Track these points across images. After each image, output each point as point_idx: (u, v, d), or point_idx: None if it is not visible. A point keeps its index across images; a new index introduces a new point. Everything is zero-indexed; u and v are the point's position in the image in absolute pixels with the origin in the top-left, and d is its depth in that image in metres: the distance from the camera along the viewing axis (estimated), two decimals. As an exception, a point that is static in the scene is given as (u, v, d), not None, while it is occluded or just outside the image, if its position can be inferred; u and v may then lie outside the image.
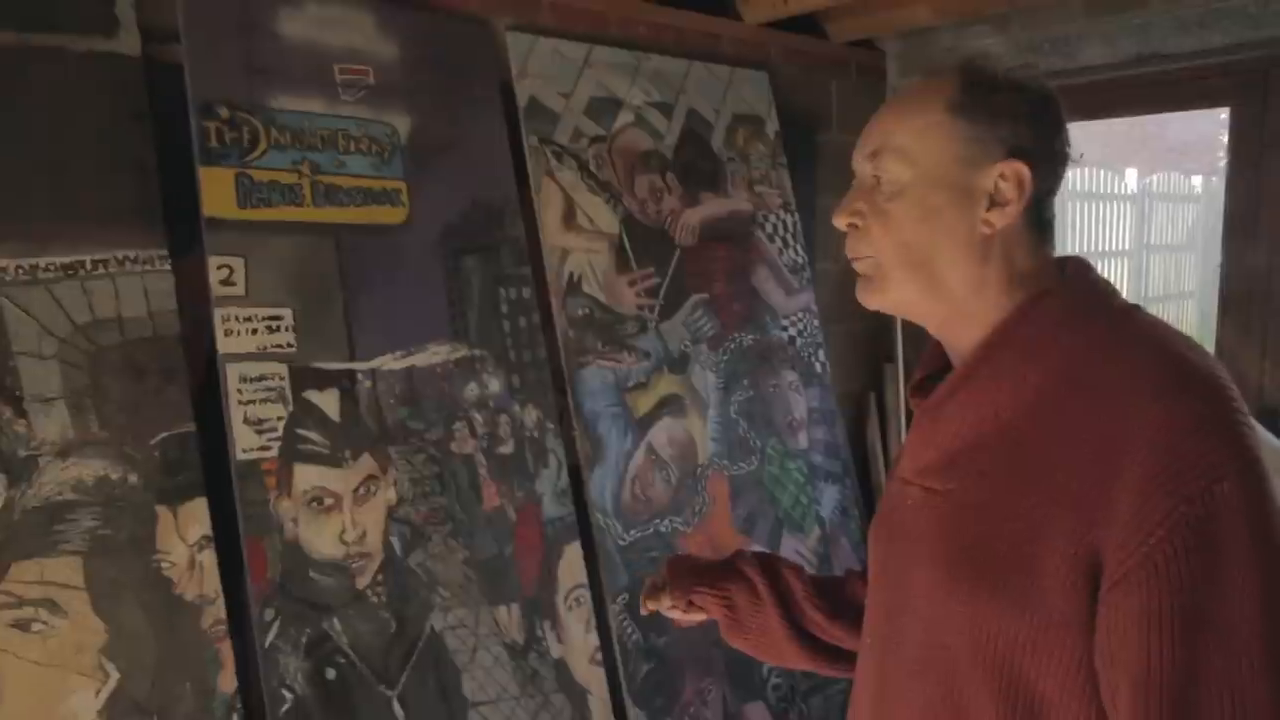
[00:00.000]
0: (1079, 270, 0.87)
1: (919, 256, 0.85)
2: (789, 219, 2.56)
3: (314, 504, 1.65)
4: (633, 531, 2.11)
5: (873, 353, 2.97)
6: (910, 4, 2.48)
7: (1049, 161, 0.85)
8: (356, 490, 1.70)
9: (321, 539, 1.65)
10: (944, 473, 0.86)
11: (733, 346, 2.39)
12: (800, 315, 2.56)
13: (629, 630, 2.05)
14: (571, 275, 2.09)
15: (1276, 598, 0.69)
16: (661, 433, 2.22)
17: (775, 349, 2.49)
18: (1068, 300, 0.83)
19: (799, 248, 2.58)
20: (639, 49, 2.24)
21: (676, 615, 1.24)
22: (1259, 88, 2.26)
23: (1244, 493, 0.69)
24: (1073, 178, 3.77)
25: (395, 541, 1.73)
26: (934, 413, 0.88)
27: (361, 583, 1.69)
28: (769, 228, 2.52)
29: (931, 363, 0.97)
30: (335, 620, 1.64)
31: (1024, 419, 0.80)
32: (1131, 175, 7.96)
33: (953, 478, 0.84)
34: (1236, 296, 2.35)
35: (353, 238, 1.74)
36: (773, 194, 2.54)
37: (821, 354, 2.59)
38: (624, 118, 2.22)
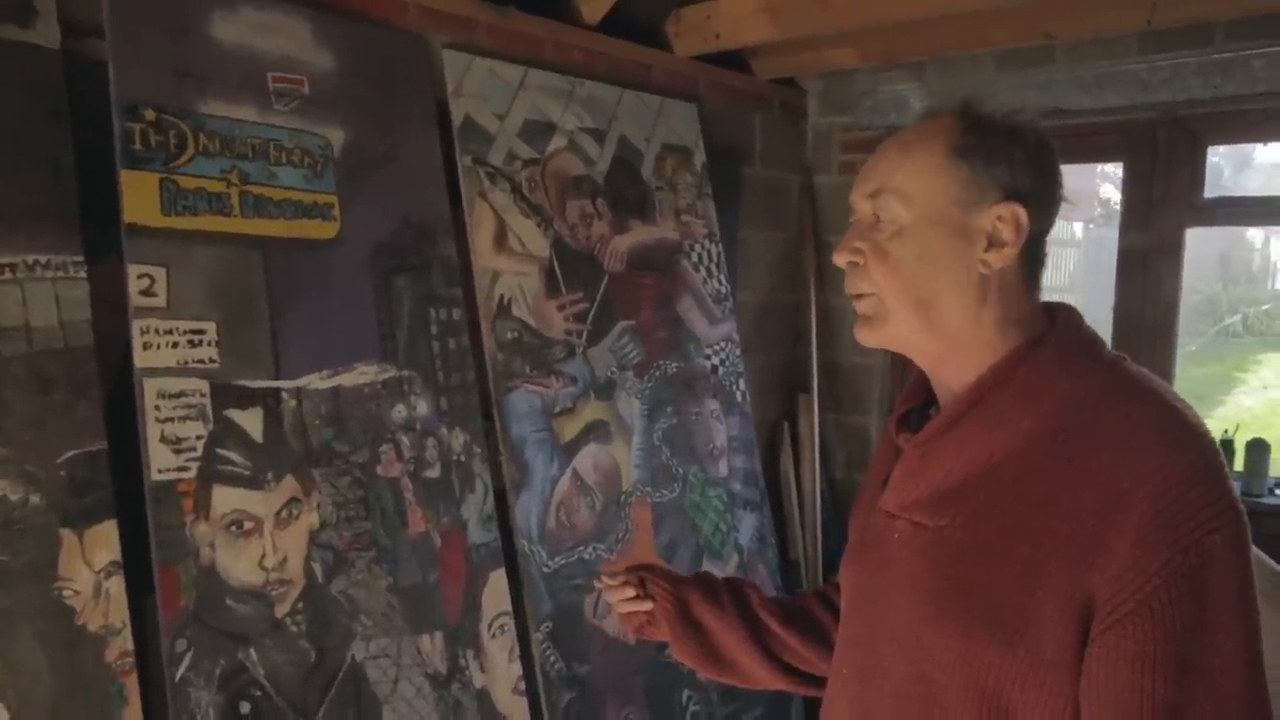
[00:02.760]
0: (1072, 318, 0.89)
1: (919, 295, 0.86)
2: (713, 249, 2.60)
3: (233, 528, 1.56)
4: (557, 558, 2.08)
5: (788, 383, 3.04)
6: (833, 47, 2.57)
7: (1044, 204, 0.87)
8: (278, 514, 1.62)
9: (240, 565, 1.57)
10: (934, 508, 0.86)
11: (657, 374, 2.41)
12: (722, 344, 2.60)
13: (551, 659, 2.02)
14: (502, 298, 2.07)
15: (1255, 644, 0.74)
16: (587, 458, 2.21)
17: (698, 377, 2.52)
18: (1064, 346, 0.85)
19: (722, 277, 2.62)
20: (573, 74, 2.25)
21: (623, 599, 1.21)
22: (1149, 145, 2.44)
23: (1233, 544, 0.73)
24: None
25: (317, 568, 1.66)
26: (924, 448, 0.89)
27: (280, 611, 1.61)
28: (694, 257, 2.55)
29: (914, 397, 0.98)
30: (252, 650, 1.56)
31: (1020, 461, 0.81)
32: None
33: (944, 514, 0.85)
34: (1126, 333, 2.50)
35: (281, 251, 1.67)
36: (698, 224, 2.57)
37: (742, 383, 2.63)
38: (557, 141, 2.22)
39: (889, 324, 0.89)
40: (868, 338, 0.91)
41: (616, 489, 2.26)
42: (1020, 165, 0.85)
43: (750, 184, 2.84)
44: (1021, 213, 0.84)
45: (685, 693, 2.30)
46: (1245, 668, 0.72)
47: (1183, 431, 0.77)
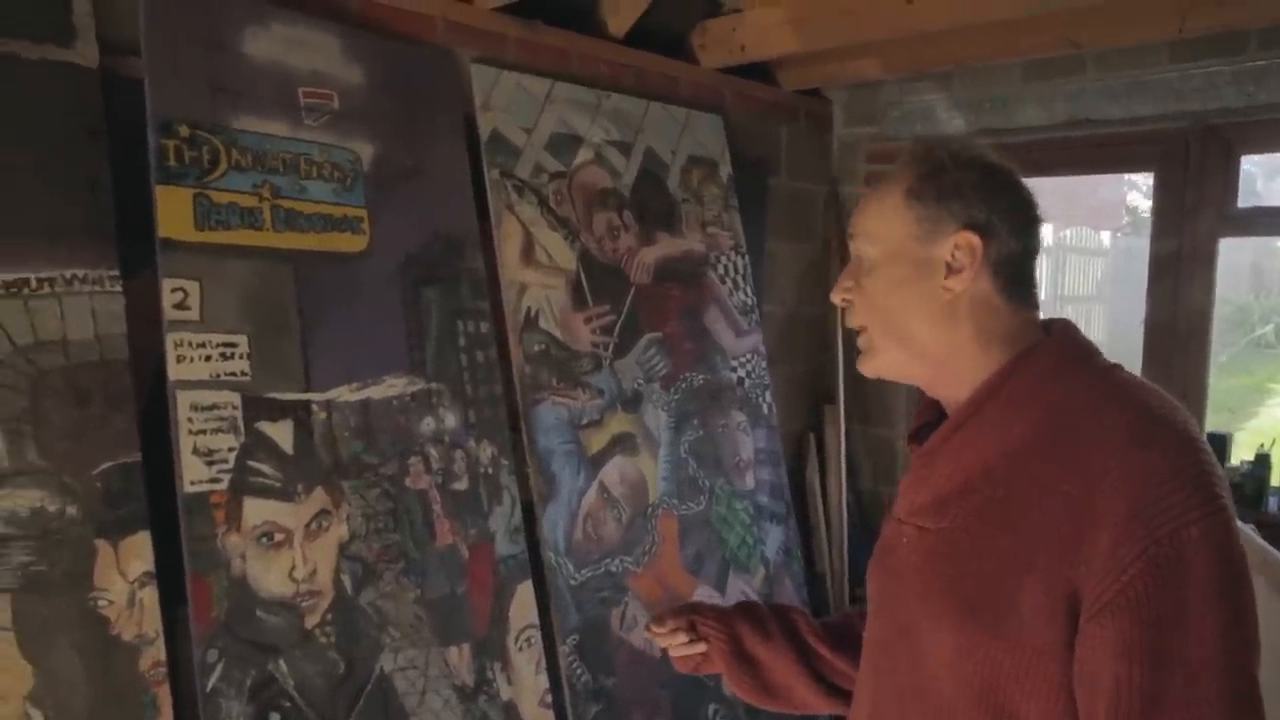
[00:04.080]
0: (1067, 330, 0.95)
1: (894, 322, 0.95)
2: (739, 260, 2.60)
3: (264, 539, 1.58)
4: (584, 571, 2.08)
5: (813, 394, 3.02)
6: (859, 58, 2.57)
7: (1006, 227, 0.93)
8: (308, 525, 1.63)
9: (270, 576, 1.58)
10: (935, 513, 0.93)
11: (684, 386, 2.40)
12: (749, 356, 2.59)
13: (578, 672, 2.01)
14: (529, 310, 2.07)
15: (1234, 635, 0.76)
16: (613, 471, 2.20)
17: (724, 389, 2.51)
18: (1052, 356, 0.91)
19: (748, 289, 2.61)
20: (600, 87, 2.26)
21: (676, 644, 1.26)
22: (1181, 154, 2.41)
23: (1209, 537, 0.76)
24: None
25: (346, 579, 1.67)
26: (927, 458, 0.96)
27: (310, 622, 1.62)
28: (720, 269, 2.55)
29: (926, 413, 1.04)
30: (282, 662, 1.57)
31: (1009, 465, 0.88)
32: (1047, 230, 8.34)
33: (944, 517, 0.92)
34: (1158, 343, 2.47)
35: (312, 265, 1.69)
36: (724, 235, 2.57)
37: (768, 395, 2.62)
38: (584, 154, 2.23)
39: (878, 355, 0.98)
40: (864, 369, 1.00)
41: (643, 501, 2.25)
42: (971, 197, 0.92)
43: (776, 195, 2.83)
44: (975, 239, 0.91)
45: (712, 707, 2.28)
46: (1225, 657, 0.75)
47: (1160, 432, 0.82)
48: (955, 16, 2.08)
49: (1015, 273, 0.94)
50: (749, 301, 2.61)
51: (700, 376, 2.45)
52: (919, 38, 2.33)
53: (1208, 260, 2.39)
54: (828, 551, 2.87)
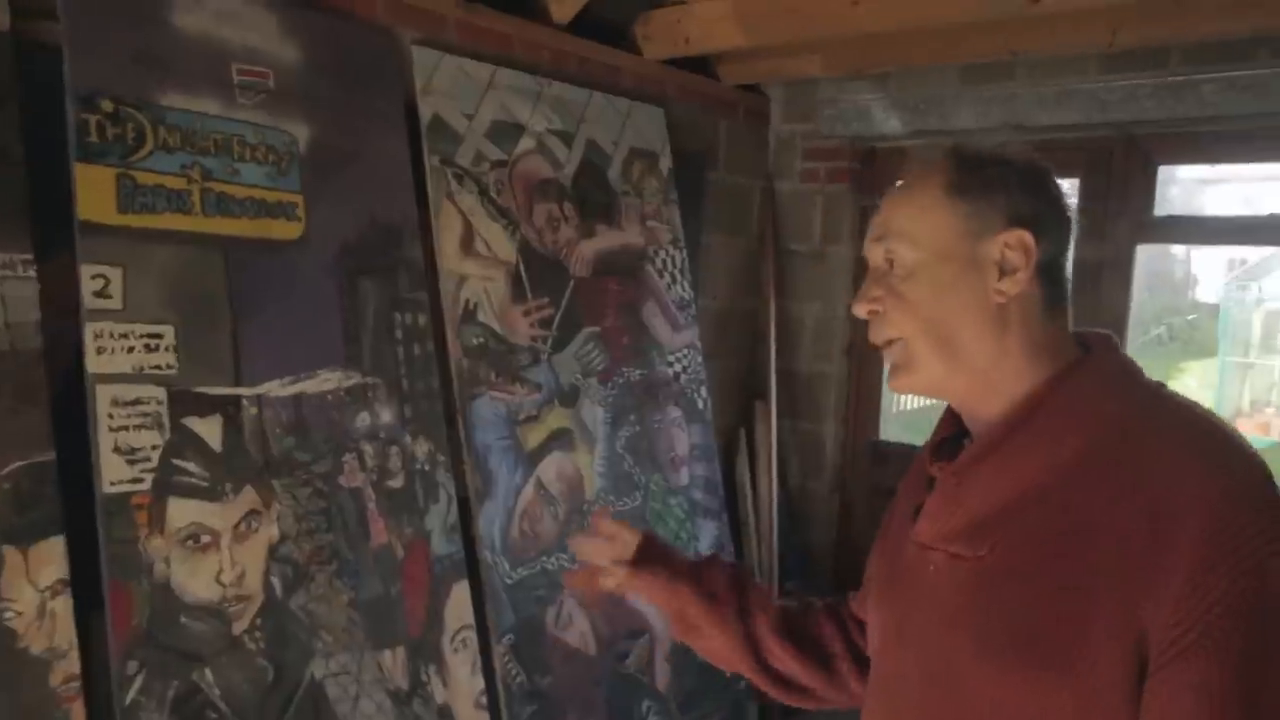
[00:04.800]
0: (1107, 343, 0.88)
1: (941, 332, 0.86)
2: (678, 255, 2.58)
3: (189, 542, 1.49)
4: (520, 569, 2.04)
5: (745, 389, 3.03)
6: (800, 55, 2.58)
7: (1050, 226, 0.86)
8: (237, 527, 1.55)
9: (196, 581, 1.50)
10: (972, 538, 0.84)
11: (621, 381, 2.38)
12: (685, 351, 2.58)
13: (513, 672, 1.98)
14: (468, 302, 2.01)
15: None
16: (550, 467, 2.17)
17: (661, 385, 2.50)
18: (1104, 371, 0.85)
19: (686, 284, 2.60)
20: (542, 74, 2.21)
21: (609, 582, 1.15)
22: (1104, 162, 2.49)
23: None
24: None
25: (276, 582, 1.60)
26: (960, 476, 0.87)
27: (238, 628, 1.54)
28: (659, 263, 2.53)
29: (947, 426, 0.97)
30: (207, 671, 1.49)
31: (1064, 485, 0.79)
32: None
33: (983, 544, 0.83)
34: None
35: (244, 252, 1.60)
36: (663, 229, 2.55)
37: (704, 390, 2.62)
38: (525, 143, 2.17)
39: (919, 369, 0.88)
40: (902, 385, 0.91)
41: (579, 498, 2.22)
42: (1016, 191, 0.85)
43: (713, 190, 2.82)
44: (1028, 237, 0.84)
45: (645, 703, 2.28)
46: None
47: (1233, 454, 0.76)
48: (899, 19, 2.09)
49: (1058, 276, 0.88)
50: (686, 296, 2.60)
51: (637, 371, 2.43)
52: (861, 38, 2.35)
53: (1126, 265, 2.49)
54: (757, 547, 2.89)
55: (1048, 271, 0.86)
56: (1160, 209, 2.49)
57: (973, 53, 2.34)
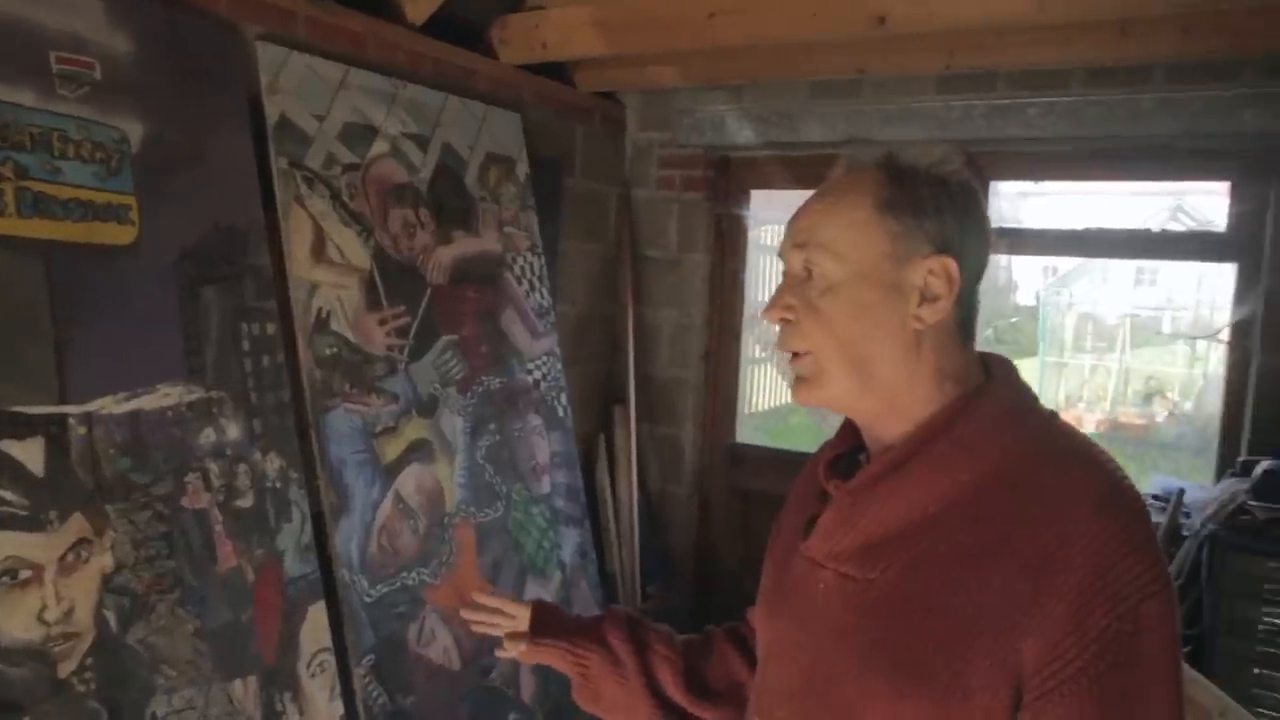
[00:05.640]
0: (1006, 370, 0.88)
1: (854, 352, 0.84)
2: (536, 261, 2.56)
3: (5, 578, 1.35)
4: (379, 586, 1.97)
5: (604, 395, 3.04)
6: (657, 65, 2.61)
7: (974, 252, 0.85)
8: (63, 558, 1.42)
9: (14, 621, 1.36)
10: (864, 560, 0.83)
11: (480, 390, 2.34)
12: (545, 359, 2.56)
13: (375, 694, 1.90)
14: (320, 311, 1.93)
15: (1179, 707, 0.75)
16: (409, 480, 2.10)
17: (521, 393, 2.47)
18: (1001, 400, 0.84)
19: (544, 290, 2.58)
20: (396, 76, 2.14)
21: (510, 650, 1.17)
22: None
23: (1165, 610, 0.73)
24: (763, 234, 4.15)
25: (110, 616, 1.47)
26: (855, 496, 0.86)
27: (65, 669, 1.41)
28: (517, 269, 2.50)
29: (843, 441, 0.96)
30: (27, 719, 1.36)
31: (957, 515, 0.80)
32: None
33: (874, 566, 0.82)
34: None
35: (68, 258, 1.47)
36: (521, 236, 2.52)
37: (564, 398, 2.61)
38: (379, 146, 2.10)
39: (826, 384, 0.86)
40: (805, 399, 0.88)
41: (440, 510, 2.17)
42: (947, 214, 0.83)
43: (570, 196, 2.82)
44: (952, 265, 0.82)
45: (511, 716, 2.24)
46: None
47: (1119, 496, 0.77)
48: (752, 34, 2.15)
49: (972, 302, 0.87)
50: (545, 303, 2.58)
51: (497, 380, 2.39)
52: (717, 51, 2.40)
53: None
54: (618, 552, 2.91)
55: (964, 298, 0.85)
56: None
57: (823, 69, 2.44)
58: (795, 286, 0.87)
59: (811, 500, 0.95)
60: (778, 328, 0.89)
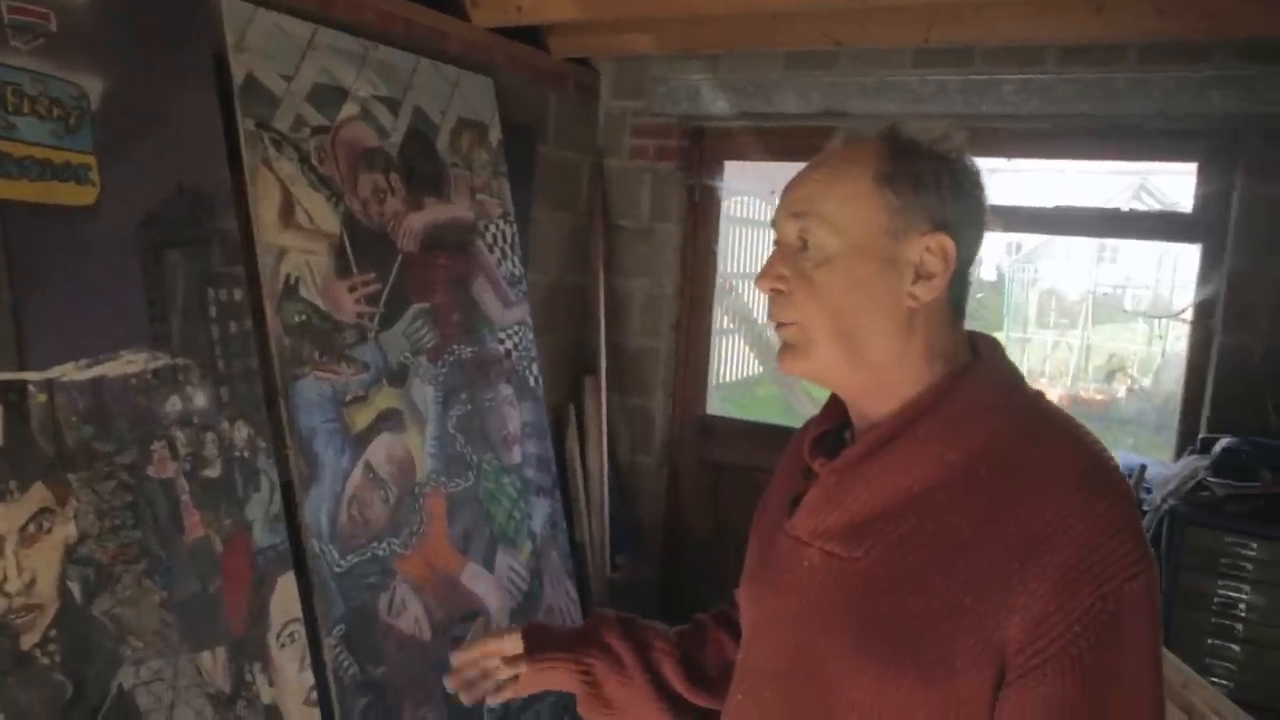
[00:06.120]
0: (993, 350, 0.87)
1: (845, 326, 0.83)
2: (508, 229, 2.53)
3: (-34, 548, 1.32)
4: (350, 556, 1.95)
5: (574, 365, 3.03)
6: (631, 32, 2.57)
7: (971, 231, 0.84)
8: (24, 529, 1.39)
9: (-26, 592, 1.33)
10: (850, 538, 0.83)
11: (451, 359, 2.31)
12: (516, 328, 2.54)
13: (345, 664, 1.89)
14: (288, 277, 1.89)
15: (1158, 694, 0.76)
16: (380, 449, 2.08)
17: (492, 362, 2.45)
18: (988, 380, 0.84)
19: (516, 259, 2.56)
20: (367, 36, 2.09)
21: (508, 671, 1.08)
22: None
23: (1149, 592, 0.74)
24: (735, 206, 4.14)
25: (74, 587, 1.44)
26: (840, 474, 0.85)
27: (28, 641, 1.38)
28: (489, 237, 2.46)
29: (829, 418, 0.94)
30: (-9, 691, 1.33)
31: (943, 494, 0.79)
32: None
33: (859, 545, 0.82)
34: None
35: (25, 219, 1.42)
36: (493, 203, 2.49)
37: (535, 367, 2.59)
38: (349, 109, 2.05)
39: (813, 355, 0.85)
40: (791, 368, 0.87)
41: (410, 480, 2.15)
42: (948, 194, 0.81)
43: (543, 163, 2.78)
44: (950, 244, 0.81)
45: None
46: (1152, 709, 0.75)
47: (1105, 477, 0.77)
48: (730, 2, 2.13)
49: (965, 280, 0.85)
50: (516, 272, 2.55)
51: (468, 349, 2.37)
52: (692, 19, 2.37)
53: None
54: (588, 522, 2.91)
55: (958, 277, 0.84)
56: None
57: (798, 39, 2.42)
58: (789, 256, 0.86)
59: (796, 477, 0.94)
60: (768, 297, 0.87)
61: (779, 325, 0.87)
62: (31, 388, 1.41)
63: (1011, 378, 0.86)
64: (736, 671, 0.97)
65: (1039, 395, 0.85)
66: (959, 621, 0.75)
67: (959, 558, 0.76)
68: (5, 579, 1.37)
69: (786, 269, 0.85)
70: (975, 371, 0.84)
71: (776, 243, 0.88)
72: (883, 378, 0.84)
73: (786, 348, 0.87)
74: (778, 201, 0.89)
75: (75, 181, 1.50)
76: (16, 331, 1.40)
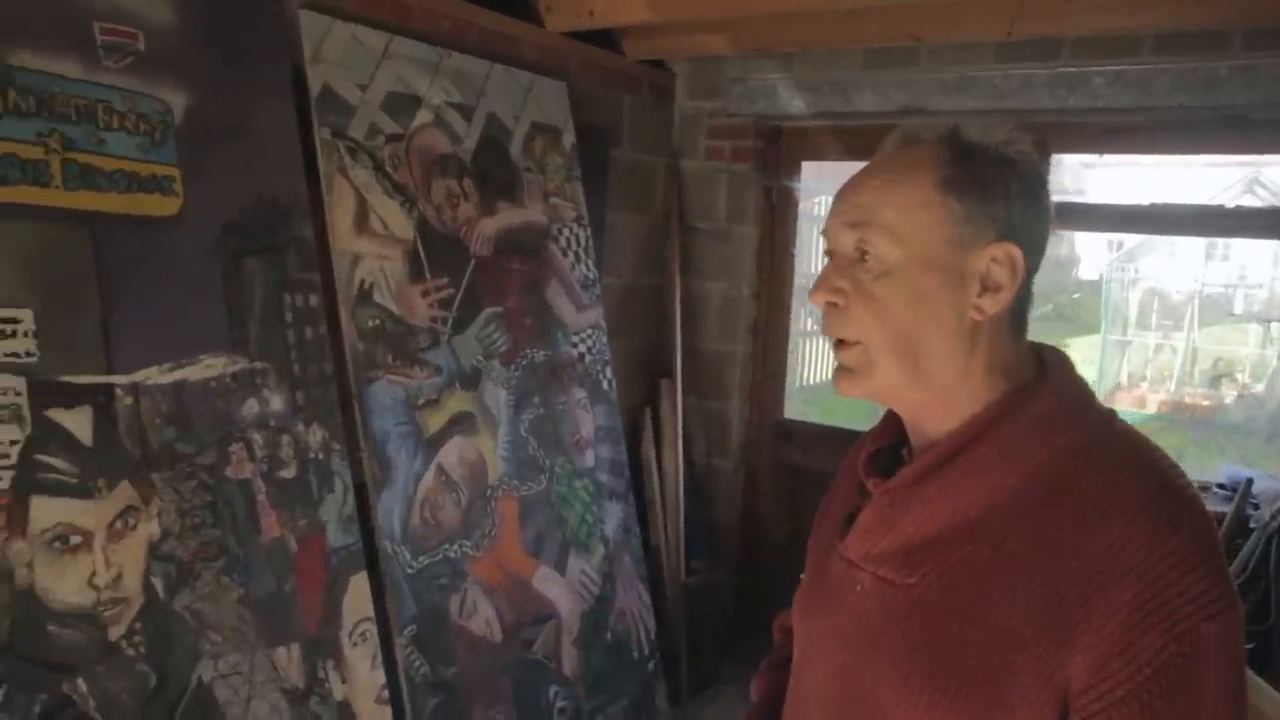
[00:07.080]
0: (1060, 365, 0.82)
1: (906, 342, 0.78)
2: (581, 233, 2.53)
3: (57, 544, 1.38)
4: (422, 558, 1.98)
5: (650, 368, 3.02)
6: (705, 32, 2.55)
7: (1038, 239, 0.79)
8: (112, 525, 1.45)
9: (65, 585, 1.39)
10: (904, 564, 0.79)
11: (524, 363, 2.33)
12: (590, 331, 2.54)
13: (416, 664, 1.92)
14: (363, 283, 1.93)
15: None
16: (452, 452, 2.11)
17: (565, 365, 2.45)
18: (1052, 399, 0.78)
19: (590, 262, 2.56)
20: (441, 44, 2.12)
21: None
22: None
23: (1228, 633, 0.68)
24: (816, 206, 4.07)
25: (157, 582, 1.50)
26: (894, 495, 0.81)
27: (115, 633, 1.44)
28: (563, 241, 2.47)
29: (885, 435, 0.90)
30: (80, 681, 1.39)
31: (1002, 520, 0.75)
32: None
33: (914, 571, 0.78)
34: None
35: (114, 229, 1.48)
36: (567, 207, 2.50)
37: (608, 371, 2.59)
38: (423, 116, 2.08)
39: (874, 377, 0.80)
40: (849, 390, 0.82)
41: (482, 483, 2.17)
42: (1015, 199, 0.77)
43: (617, 166, 2.78)
44: (1018, 254, 0.76)
45: (553, 689, 2.25)
46: None
47: (1180, 508, 0.71)
48: (805, 0, 2.09)
49: (1029, 292, 0.81)
50: (590, 275, 2.56)
51: (541, 352, 2.38)
52: (767, 17, 2.33)
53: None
54: (663, 526, 2.89)
55: (1022, 287, 0.79)
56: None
57: (876, 36, 2.35)
58: (845, 268, 0.80)
59: (852, 494, 0.91)
60: (823, 311, 0.83)
61: (838, 343, 0.82)
62: (119, 390, 1.48)
63: (1079, 395, 0.80)
64: (789, 697, 0.94)
65: (1110, 415, 0.80)
66: (1017, 656, 0.71)
67: (1019, 587, 0.72)
68: (94, 573, 1.43)
69: (843, 282, 0.80)
70: (1039, 388, 0.79)
71: (829, 253, 0.84)
72: (944, 395, 0.80)
73: (844, 371, 0.82)
74: (831, 209, 0.84)
75: (160, 193, 1.55)
76: (105, 336, 1.46)
